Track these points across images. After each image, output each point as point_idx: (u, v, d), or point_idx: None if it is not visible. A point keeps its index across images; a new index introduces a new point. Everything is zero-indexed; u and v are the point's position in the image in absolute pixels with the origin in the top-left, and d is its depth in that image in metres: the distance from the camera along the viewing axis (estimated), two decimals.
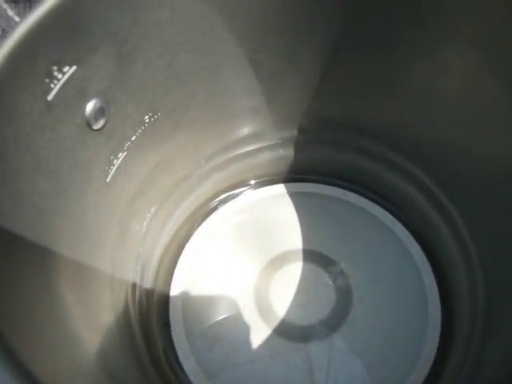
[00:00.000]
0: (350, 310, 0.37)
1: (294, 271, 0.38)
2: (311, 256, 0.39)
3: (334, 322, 0.36)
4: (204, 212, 0.40)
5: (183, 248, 0.39)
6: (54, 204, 0.23)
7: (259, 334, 0.35)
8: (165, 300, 0.37)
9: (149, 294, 0.36)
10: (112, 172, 0.29)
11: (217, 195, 0.40)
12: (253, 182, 0.41)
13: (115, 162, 0.29)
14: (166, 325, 0.35)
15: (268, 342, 0.35)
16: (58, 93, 0.23)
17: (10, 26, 0.32)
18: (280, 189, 0.42)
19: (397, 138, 0.36)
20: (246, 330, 0.36)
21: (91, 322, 0.25)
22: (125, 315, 0.31)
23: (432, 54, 0.29)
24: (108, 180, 0.28)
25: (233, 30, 0.29)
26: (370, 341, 0.35)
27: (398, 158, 0.37)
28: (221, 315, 0.37)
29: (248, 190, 0.42)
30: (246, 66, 0.32)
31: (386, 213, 0.40)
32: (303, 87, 0.34)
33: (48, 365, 0.17)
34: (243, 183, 0.41)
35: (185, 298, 0.37)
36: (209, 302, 0.37)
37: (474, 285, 0.32)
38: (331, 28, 0.30)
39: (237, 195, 0.41)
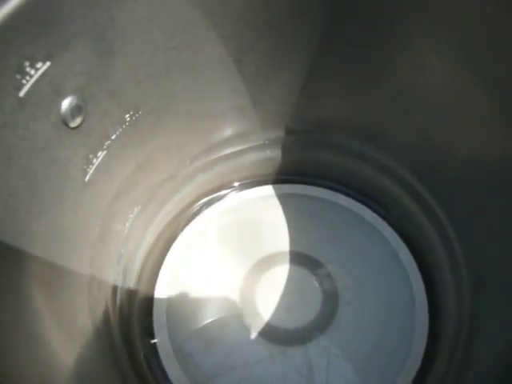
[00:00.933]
0: (336, 313, 0.36)
1: (281, 274, 0.38)
2: (298, 258, 0.38)
3: (320, 326, 0.36)
4: (189, 213, 0.39)
5: (168, 250, 0.38)
6: (27, 203, 0.23)
7: (244, 338, 0.35)
8: (148, 303, 0.36)
9: (131, 297, 0.35)
10: (91, 171, 0.28)
11: (202, 197, 0.40)
12: (239, 183, 0.41)
13: (94, 161, 0.28)
14: (149, 329, 0.35)
15: (252, 345, 0.35)
16: (30, 89, 0.22)
17: None
18: (267, 190, 0.41)
19: (383, 138, 0.35)
20: (231, 333, 0.35)
21: (65, 327, 0.24)
22: (104, 320, 0.30)
23: (412, 53, 0.29)
24: (87, 179, 0.28)
25: (215, 27, 0.29)
26: (357, 344, 0.35)
27: (386, 159, 0.36)
28: (206, 319, 0.36)
29: (234, 192, 0.41)
30: (229, 65, 0.31)
31: (375, 214, 0.40)
32: (289, 88, 0.34)
33: (11, 374, 0.16)
34: (229, 184, 0.41)
35: (169, 301, 0.36)
36: (194, 305, 0.36)
37: (460, 285, 0.32)
38: (315, 29, 0.30)
39: (223, 196, 0.41)
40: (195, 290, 0.37)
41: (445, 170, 0.32)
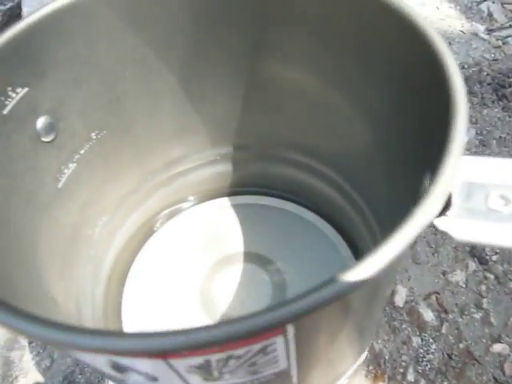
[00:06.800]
0: None
1: (236, 271, 0.43)
2: (251, 257, 0.44)
3: None
4: (153, 223, 0.45)
5: (134, 256, 0.43)
6: (9, 199, 0.28)
7: None
8: (118, 303, 0.41)
9: (102, 297, 0.40)
10: (63, 180, 0.34)
11: (164, 208, 0.45)
12: (197, 195, 0.47)
13: (66, 171, 0.34)
14: (118, 321, 0.39)
15: None
16: (12, 109, 0.28)
17: None
18: (222, 201, 0.47)
19: (312, 147, 0.42)
20: (192, 325, 0.39)
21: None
22: (77, 311, 0.35)
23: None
24: (59, 186, 0.33)
25: (163, 61, 0.36)
26: None
27: (318, 164, 0.43)
28: (170, 315, 0.40)
29: (193, 203, 0.47)
30: (178, 92, 0.38)
31: (316, 216, 0.46)
32: (231, 108, 0.41)
33: None
34: (188, 197, 0.46)
35: (136, 300, 0.41)
36: (159, 303, 0.41)
37: None
38: (245, 57, 0.37)
39: (183, 208, 0.46)
40: (161, 291, 0.42)
41: (362, 169, 0.38)
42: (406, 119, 0.26)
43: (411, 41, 0.25)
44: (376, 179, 0.34)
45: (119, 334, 0.15)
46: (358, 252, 0.43)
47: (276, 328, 0.15)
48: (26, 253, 0.29)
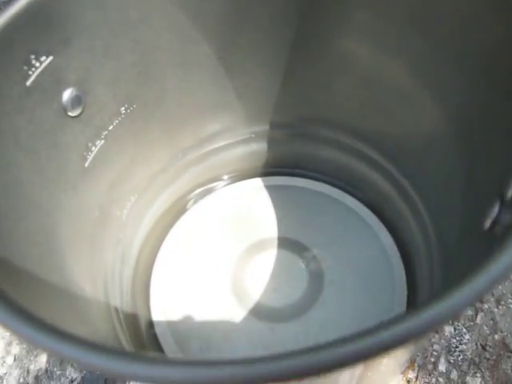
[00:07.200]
0: (321, 292, 0.38)
1: (269, 257, 0.40)
2: (285, 243, 0.41)
3: (306, 304, 0.38)
4: (183, 203, 0.42)
5: (164, 237, 0.41)
6: (33, 179, 0.26)
7: (235, 316, 0.37)
8: (146, 285, 0.39)
9: (130, 279, 0.38)
10: (90, 158, 0.31)
11: (195, 188, 0.43)
12: (229, 175, 0.44)
13: (93, 149, 0.31)
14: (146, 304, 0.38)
15: (242, 322, 0.37)
16: (36, 79, 0.25)
17: None
18: (256, 182, 0.44)
19: (360, 127, 0.38)
20: (222, 312, 0.38)
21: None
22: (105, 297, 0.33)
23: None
24: (86, 165, 0.31)
25: (199, 28, 0.32)
26: (340, 320, 0.37)
27: (364, 147, 0.39)
28: (199, 299, 0.38)
29: (225, 184, 0.44)
30: (214, 63, 0.35)
31: (356, 201, 0.43)
32: (270, 82, 0.37)
33: None
34: (220, 177, 0.44)
35: (165, 283, 0.39)
36: (188, 286, 0.39)
37: (432, 260, 0.34)
38: (288, 27, 0.33)
39: (214, 188, 0.44)
40: (190, 274, 0.40)
41: (417, 155, 0.35)
42: (486, 103, 0.22)
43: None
44: (437, 168, 0.31)
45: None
46: (399, 237, 0.40)
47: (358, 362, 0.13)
48: (51, 238, 0.27)
